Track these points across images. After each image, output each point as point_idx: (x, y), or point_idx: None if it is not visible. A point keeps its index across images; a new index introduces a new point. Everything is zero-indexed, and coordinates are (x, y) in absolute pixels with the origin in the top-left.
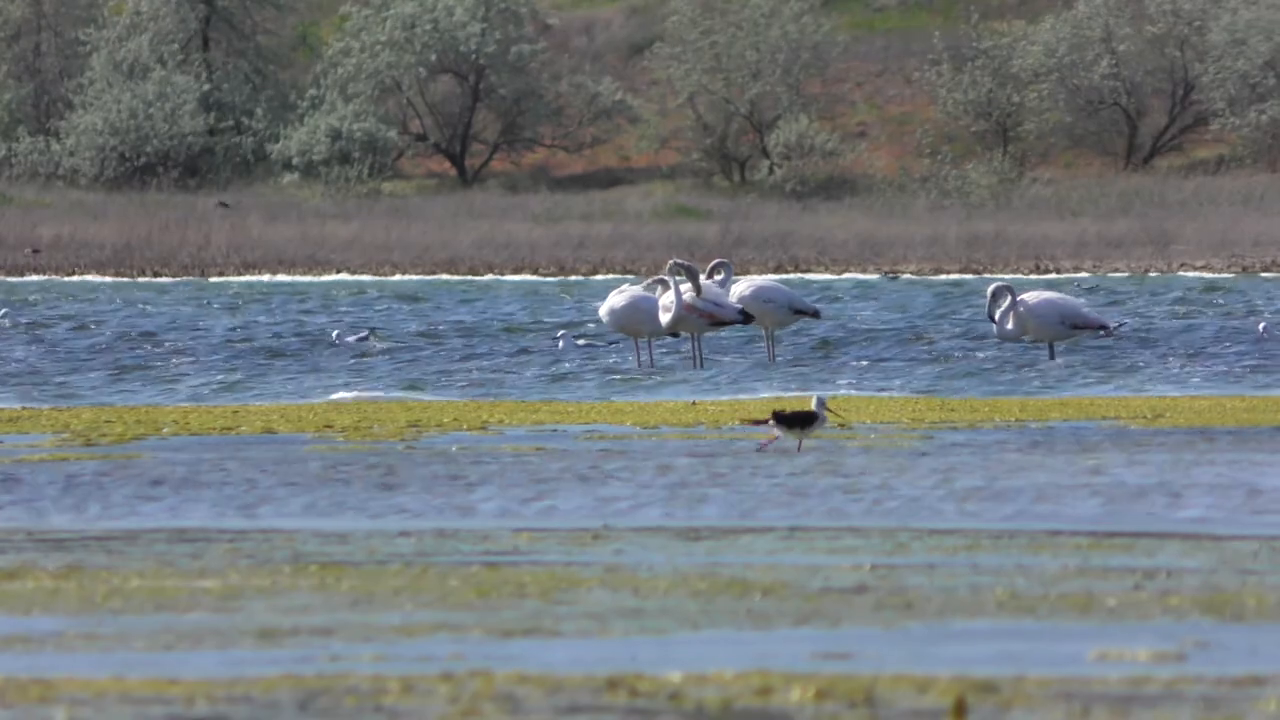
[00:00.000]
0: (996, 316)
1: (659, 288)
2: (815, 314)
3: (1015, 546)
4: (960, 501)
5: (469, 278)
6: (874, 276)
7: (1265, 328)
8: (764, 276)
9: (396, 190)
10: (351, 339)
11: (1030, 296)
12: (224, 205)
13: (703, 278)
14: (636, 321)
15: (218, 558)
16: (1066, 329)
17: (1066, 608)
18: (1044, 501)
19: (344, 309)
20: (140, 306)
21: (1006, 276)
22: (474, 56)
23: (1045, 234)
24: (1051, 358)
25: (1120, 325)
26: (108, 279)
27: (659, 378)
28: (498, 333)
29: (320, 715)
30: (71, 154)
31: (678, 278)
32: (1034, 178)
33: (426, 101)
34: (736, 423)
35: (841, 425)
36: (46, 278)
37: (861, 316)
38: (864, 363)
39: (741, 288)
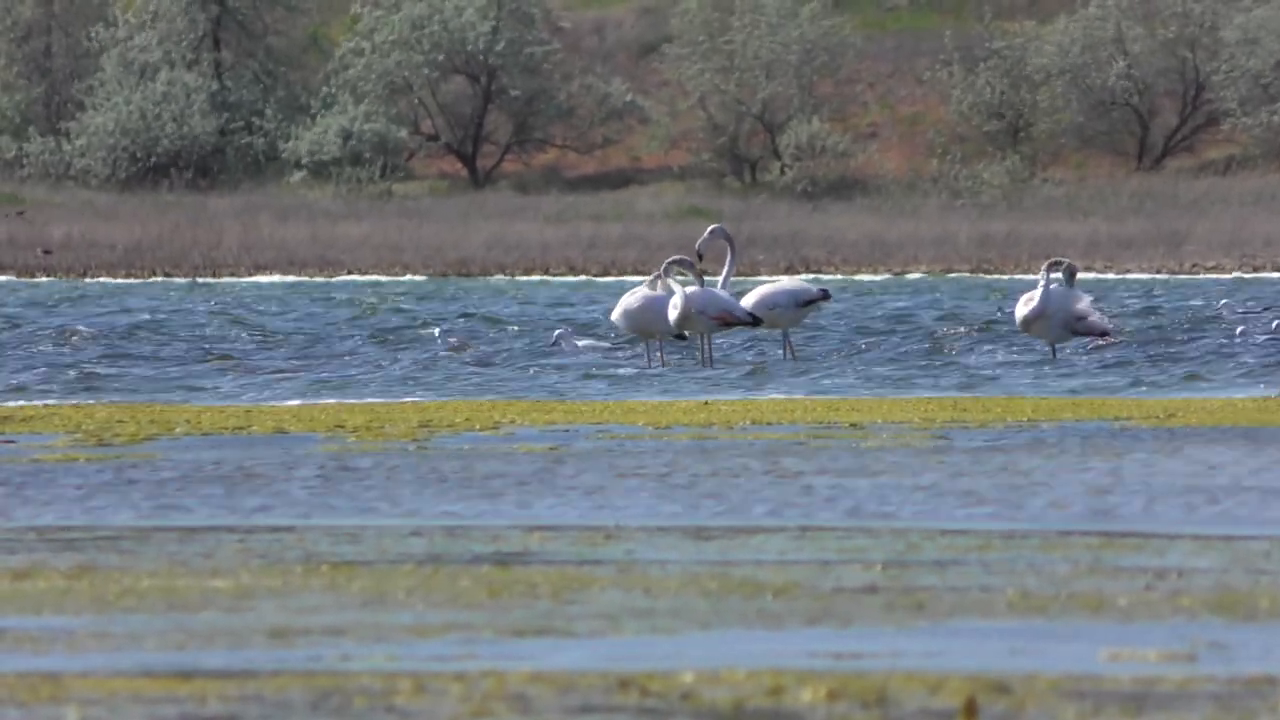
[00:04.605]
0: (1041, 284)
1: (658, 284)
2: (825, 296)
3: (1027, 546)
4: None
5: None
6: (883, 276)
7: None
8: (770, 283)
9: (408, 191)
10: (454, 340)
11: (1031, 299)
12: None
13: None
14: (649, 322)
15: (229, 557)
16: (1068, 333)
17: (1078, 607)
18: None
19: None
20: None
21: (1018, 277)
22: (483, 57)
23: (1056, 234)
24: (1053, 357)
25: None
26: (120, 279)
27: (671, 378)
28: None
29: (331, 715)
30: (82, 154)
31: (680, 276)
32: (1045, 178)
33: (438, 102)
34: None
35: None
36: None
37: (875, 314)
38: (877, 365)
39: (748, 301)
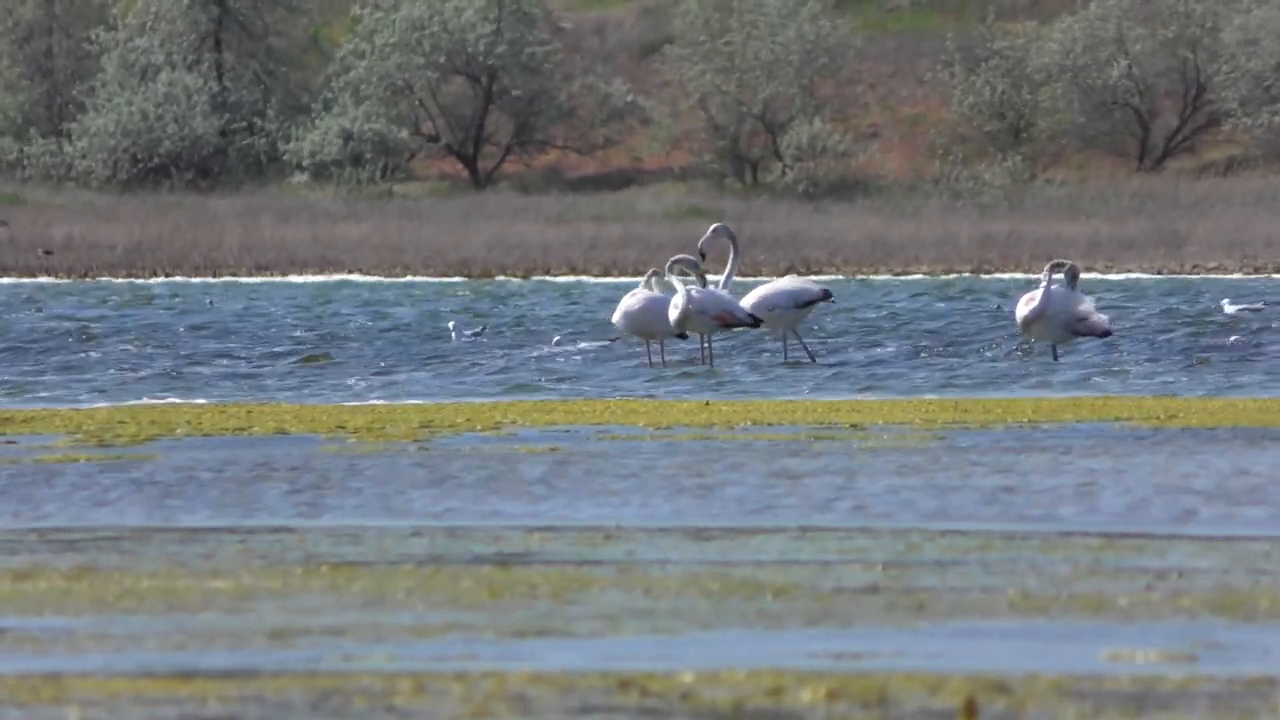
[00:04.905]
0: (1043, 286)
1: (653, 282)
2: (825, 296)
3: (1028, 547)
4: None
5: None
6: (885, 277)
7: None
8: (770, 284)
9: (408, 192)
10: (469, 334)
11: (1031, 299)
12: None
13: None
14: (650, 323)
15: (230, 558)
16: (1068, 334)
17: (1078, 608)
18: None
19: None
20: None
21: (1019, 277)
22: (484, 58)
23: (1058, 234)
24: (1055, 359)
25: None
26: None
27: (671, 378)
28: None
29: (332, 715)
30: (84, 156)
31: (684, 275)
32: (1046, 179)
33: (438, 103)
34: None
35: None
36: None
37: (870, 315)
38: (874, 366)
39: (748, 302)
